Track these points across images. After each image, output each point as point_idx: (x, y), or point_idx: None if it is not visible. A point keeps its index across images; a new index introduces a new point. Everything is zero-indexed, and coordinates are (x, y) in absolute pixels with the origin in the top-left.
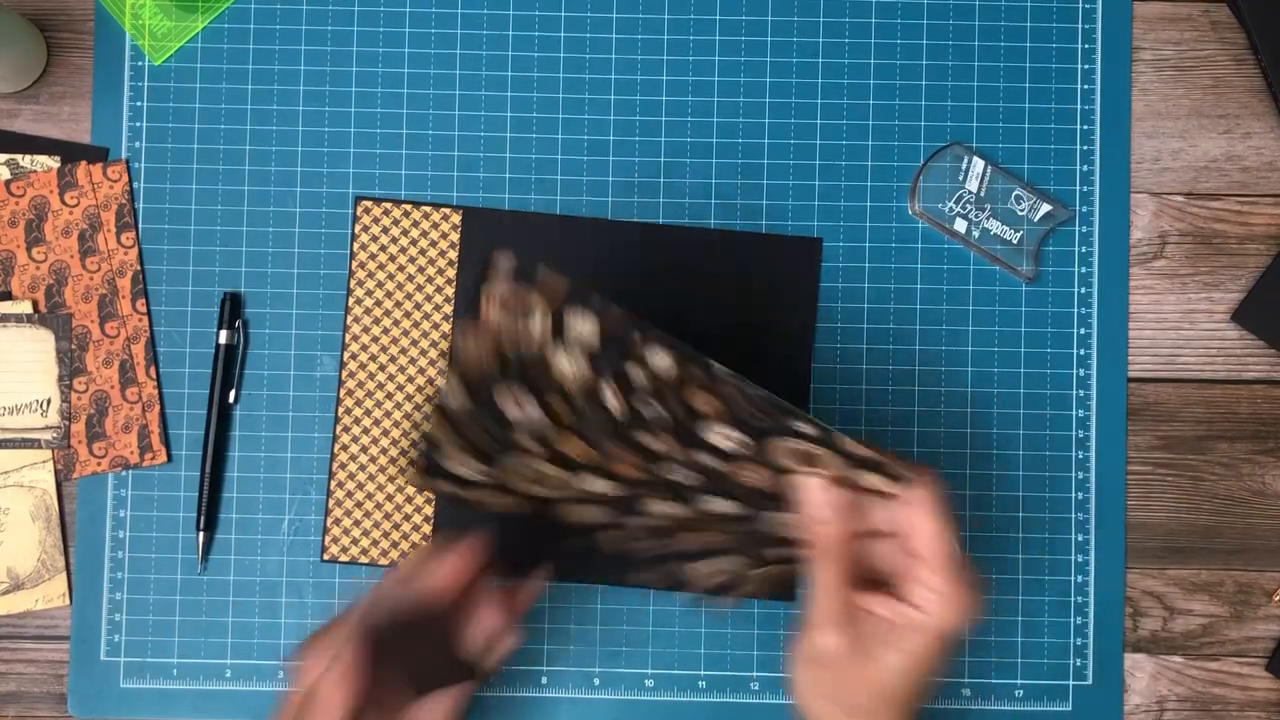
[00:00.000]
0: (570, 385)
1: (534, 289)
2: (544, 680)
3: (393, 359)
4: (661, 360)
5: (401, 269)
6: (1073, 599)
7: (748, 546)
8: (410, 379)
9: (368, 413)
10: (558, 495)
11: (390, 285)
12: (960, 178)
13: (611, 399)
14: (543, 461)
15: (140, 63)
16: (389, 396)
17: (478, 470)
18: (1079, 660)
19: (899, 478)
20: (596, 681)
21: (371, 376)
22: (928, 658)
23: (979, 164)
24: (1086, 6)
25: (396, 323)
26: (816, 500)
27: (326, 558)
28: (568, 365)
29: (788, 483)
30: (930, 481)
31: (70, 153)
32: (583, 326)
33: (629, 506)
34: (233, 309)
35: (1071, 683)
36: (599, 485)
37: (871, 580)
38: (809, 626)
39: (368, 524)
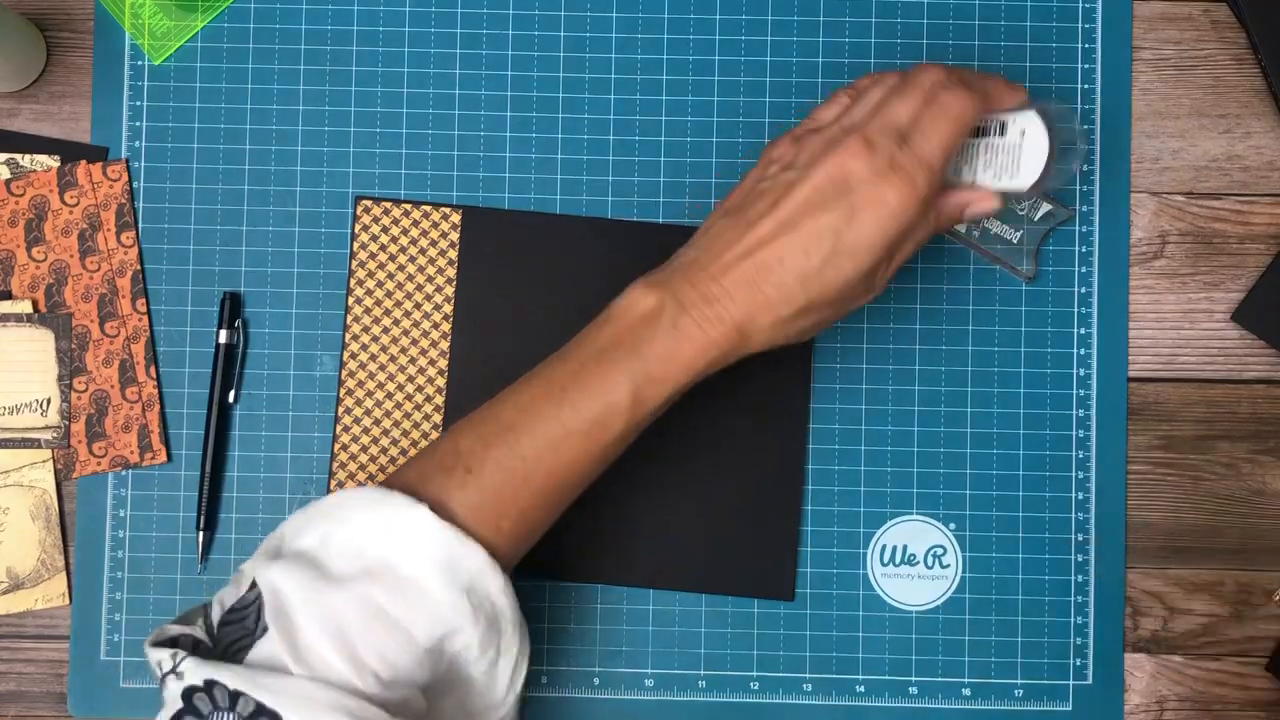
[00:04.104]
0: None
1: None
2: (544, 680)
3: (393, 359)
4: None
5: (401, 269)
6: (1073, 599)
7: None
8: (410, 379)
9: (368, 412)
10: None
11: (390, 285)
12: None
13: None
14: None
15: (140, 62)
16: (389, 396)
17: None
18: (1079, 660)
19: None
20: (596, 681)
21: (371, 376)
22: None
23: None
24: (1086, 6)
25: (396, 322)
26: None
27: None
28: None
29: None
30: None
31: (70, 152)
32: None
33: None
34: (232, 309)
35: (1071, 683)
36: None
37: None
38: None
39: None
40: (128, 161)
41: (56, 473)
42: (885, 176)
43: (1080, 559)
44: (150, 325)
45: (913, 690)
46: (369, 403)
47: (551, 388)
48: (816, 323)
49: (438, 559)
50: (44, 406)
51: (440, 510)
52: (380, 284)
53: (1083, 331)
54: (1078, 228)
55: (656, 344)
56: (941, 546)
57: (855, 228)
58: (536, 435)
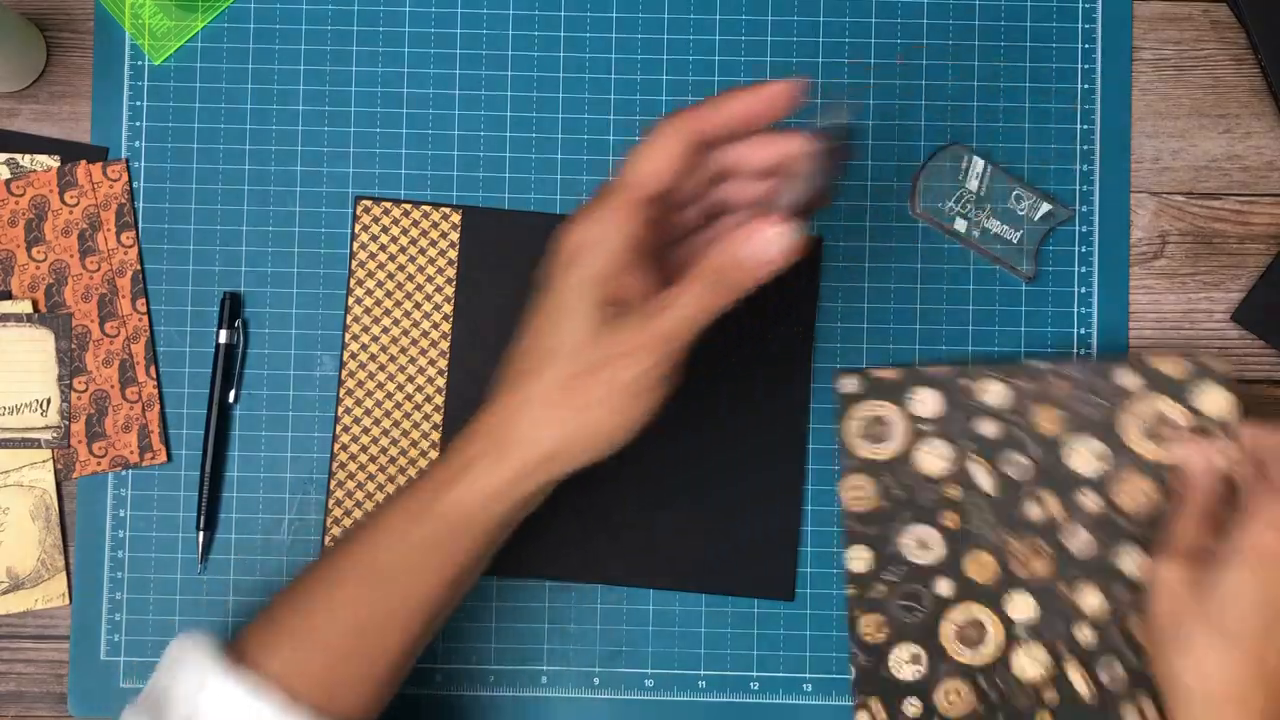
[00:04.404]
0: (942, 480)
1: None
2: (544, 680)
3: (393, 359)
4: (995, 394)
5: (401, 269)
6: None
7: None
8: (410, 379)
9: (368, 412)
10: (991, 657)
11: (390, 285)
12: (960, 177)
13: (984, 476)
14: (966, 610)
15: (140, 62)
16: (389, 396)
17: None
18: None
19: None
20: (596, 681)
21: (371, 376)
22: (1261, 581)
23: (979, 163)
24: (1086, 6)
25: (396, 322)
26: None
27: None
28: (932, 458)
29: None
30: None
31: (70, 152)
32: (922, 407)
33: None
34: (233, 309)
35: None
36: (1022, 607)
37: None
38: (1157, 558)
39: None
40: (128, 161)
41: (56, 473)
42: (579, 210)
43: None
44: (150, 325)
45: None
46: (369, 403)
47: (362, 520)
48: (595, 403)
49: (229, 715)
50: (44, 406)
51: (244, 663)
52: (380, 284)
53: (1083, 331)
54: (1078, 228)
55: (436, 463)
56: None
57: (548, 261)
58: (332, 574)
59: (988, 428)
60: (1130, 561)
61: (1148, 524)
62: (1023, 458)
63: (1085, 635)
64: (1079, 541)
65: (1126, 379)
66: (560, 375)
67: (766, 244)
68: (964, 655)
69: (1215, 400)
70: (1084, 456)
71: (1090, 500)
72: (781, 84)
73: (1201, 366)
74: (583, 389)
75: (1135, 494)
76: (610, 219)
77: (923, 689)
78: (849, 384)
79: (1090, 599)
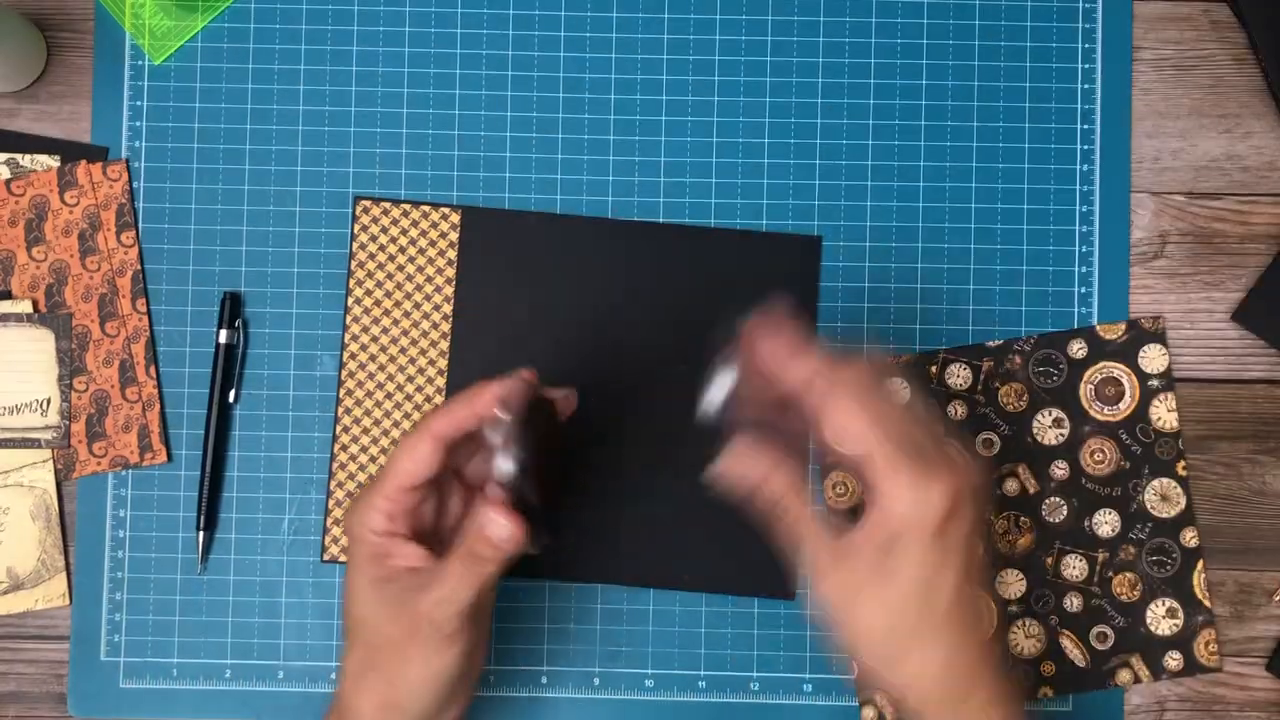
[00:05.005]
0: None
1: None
2: (544, 680)
3: (392, 359)
4: (960, 376)
5: (401, 269)
6: None
7: None
8: (410, 379)
9: (367, 413)
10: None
11: (390, 285)
12: None
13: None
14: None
15: (140, 62)
16: (389, 396)
17: None
18: None
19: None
20: (596, 681)
21: (371, 376)
22: (939, 556)
23: None
24: (1086, 6)
25: (396, 322)
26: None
27: (326, 558)
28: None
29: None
30: (845, 371)
31: (70, 152)
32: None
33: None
34: (233, 309)
35: None
36: (1013, 585)
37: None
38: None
39: None
40: (128, 161)
41: (56, 473)
42: (361, 493)
43: None
44: (150, 325)
45: None
46: (369, 403)
47: None
48: (394, 666)
49: None
50: (44, 406)
51: None
52: (380, 284)
53: None
54: (1078, 227)
55: None
56: None
57: None
58: None
59: (957, 410)
60: (1104, 524)
61: (1111, 483)
62: (994, 435)
63: (1074, 603)
64: (1055, 511)
65: (1075, 347)
66: (361, 646)
67: (493, 529)
68: None
69: (1155, 359)
70: (1048, 427)
71: (1060, 469)
72: (521, 376)
73: (1140, 329)
74: (379, 656)
75: (1097, 455)
76: (373, 505)
77: None
78: None
79: (1073, 567)
